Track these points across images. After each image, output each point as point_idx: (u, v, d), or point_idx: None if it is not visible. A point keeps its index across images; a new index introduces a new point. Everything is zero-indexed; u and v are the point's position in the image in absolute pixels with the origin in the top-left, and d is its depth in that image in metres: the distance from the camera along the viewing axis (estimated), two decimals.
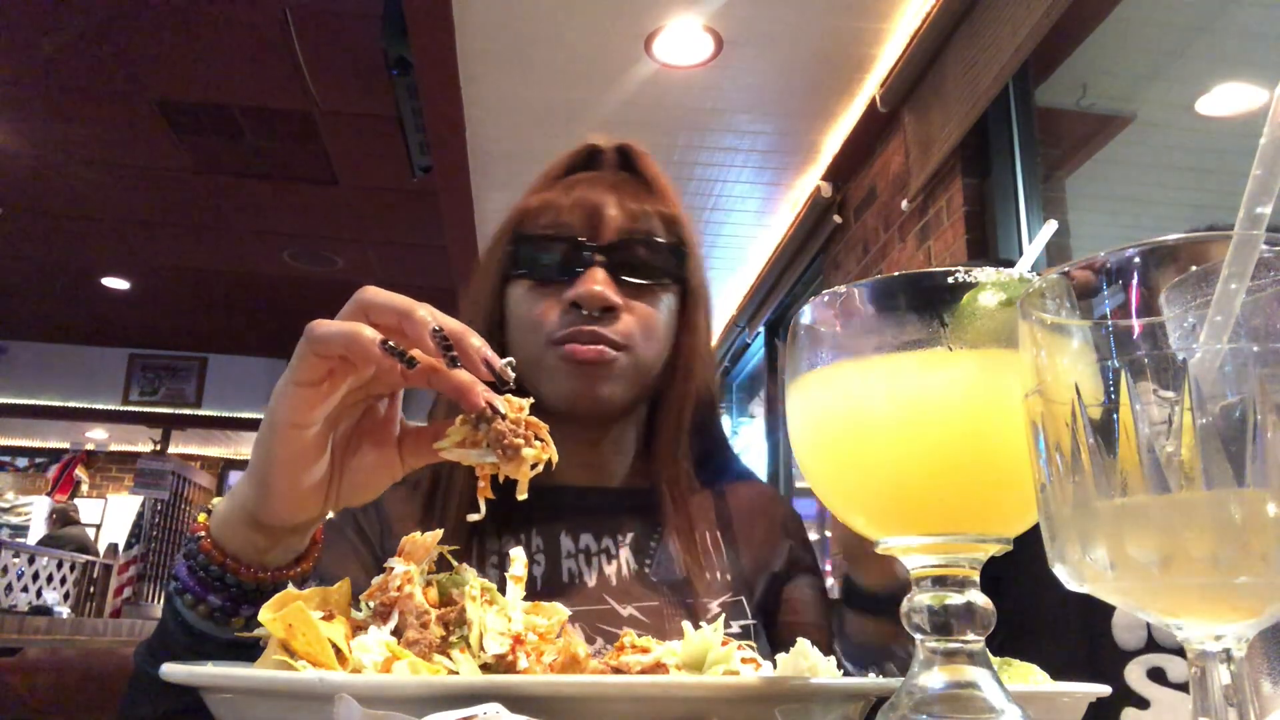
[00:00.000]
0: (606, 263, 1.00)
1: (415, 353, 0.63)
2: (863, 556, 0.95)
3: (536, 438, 0.64)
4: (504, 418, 0.62)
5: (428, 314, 0.62)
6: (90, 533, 10.66)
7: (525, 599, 0.64)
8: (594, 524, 1.05)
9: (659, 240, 1.04)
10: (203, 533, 0.70)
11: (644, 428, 1.13)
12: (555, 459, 0.64)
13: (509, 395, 0.64)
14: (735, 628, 1.01)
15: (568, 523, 1.05)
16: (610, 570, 1.02)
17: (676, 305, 1.07)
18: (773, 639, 1.06)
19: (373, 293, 0.64)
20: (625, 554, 1.04)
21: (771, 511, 1.16)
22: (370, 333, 0.61)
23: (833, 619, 1.07)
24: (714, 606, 1.02)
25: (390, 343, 0.61)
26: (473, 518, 0.64)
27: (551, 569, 1.01)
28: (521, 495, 0.63)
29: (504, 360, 0.63)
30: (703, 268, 1.12)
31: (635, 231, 1.03)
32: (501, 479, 0.64)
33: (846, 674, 0.66)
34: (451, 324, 0.63)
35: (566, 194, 1.03)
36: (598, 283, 0.98)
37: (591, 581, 1.01)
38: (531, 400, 0.65)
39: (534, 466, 0.63)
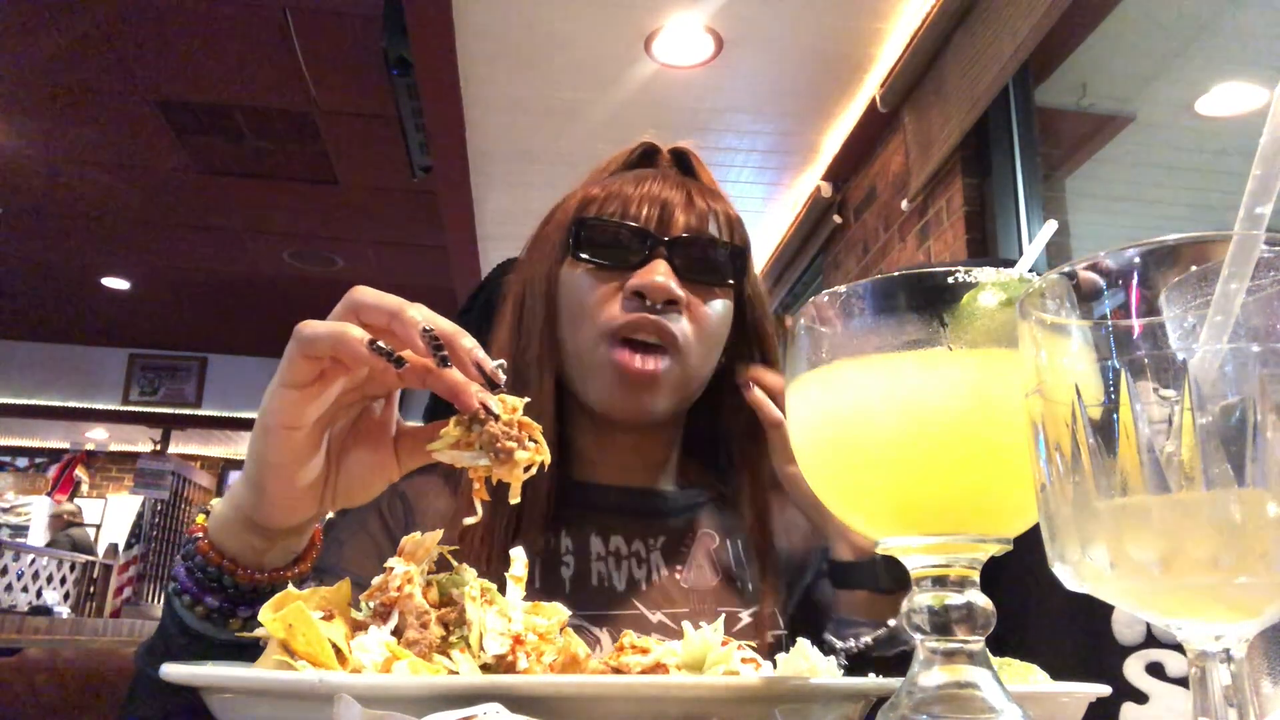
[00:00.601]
0: (669, 257, 0.99)
1: (405, 353, 0.62)
2: (832, 530, 0.95)
3: (530, 439, 0.63)
4: (497, 419, 0.61)
5: (418, 314, 0.62)
6: (90, 533, 10.66)
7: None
8: (624, 526, 1.04)
9: (723, 241, 1.04)
10: (200, 534, 0.70)
11: (680, 431, 1.12)
12: (548, 461, 0.63)
13: (503, 395, 0.63)
14: (769, 638, 0.99)
15: (598, 523, 1.03)
16: (640, 575, 1.01)
17: (730, 311, 1.06)
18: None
19: (363, 293, 0.63)
20: (656, 559, 1.02)
21: (802, 521, 1.14)
22: (358, 333, 0.60)
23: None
24: (745, 616, 1.00)
25: (378, 343, 0.60)
26: (468, 521, 0.64)
27: (580, 570, 1.00)
28: (514, 499, 0.63)
29: (495, 363, 0.63)
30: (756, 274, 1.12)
31: (701, 230, 1.02)
32: (495, 482, 0.63)
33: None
34: (443, 324, 0.62)
35: (636, 186, 1.03)
36: (661, 273, 0.97)
37: (621, 586, 0.99)
38: (527, 400, 0.64)
39: (527, 469, 0.63)
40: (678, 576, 1.02)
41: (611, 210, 1.02)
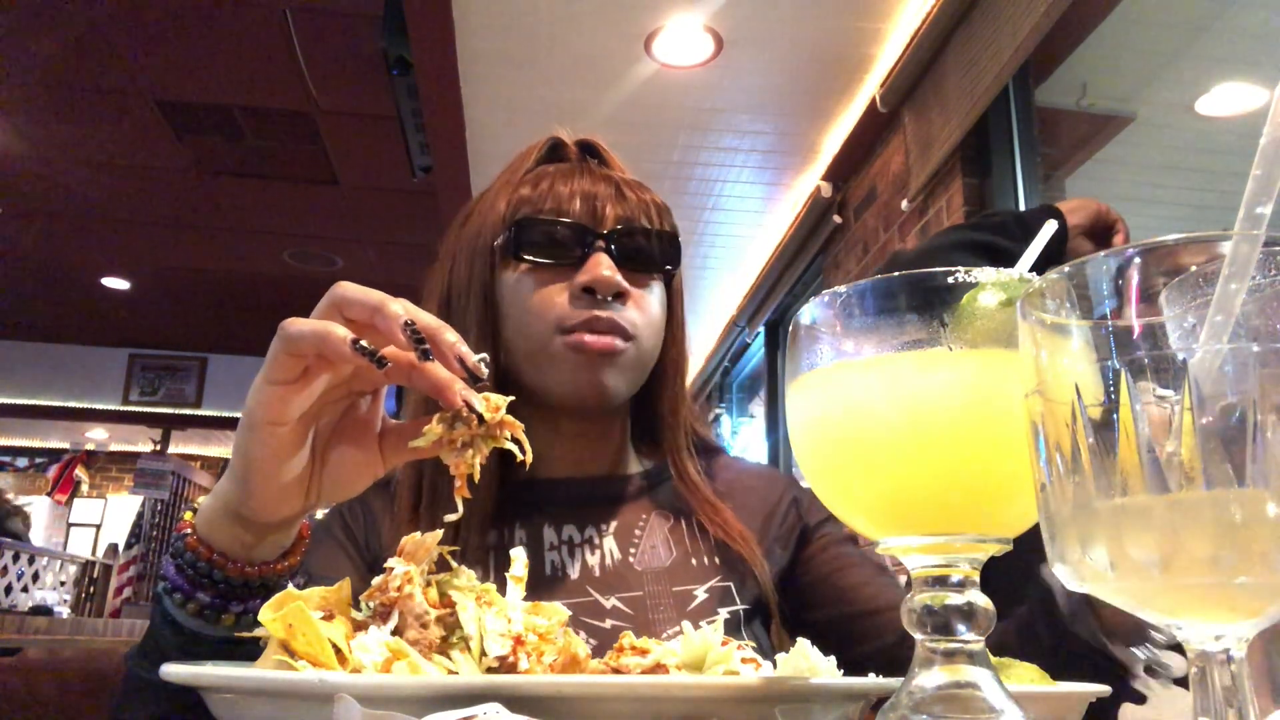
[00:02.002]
0: (608, 249, 1.01)
1: (389, 351, 0.63)
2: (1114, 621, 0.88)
3: (513, 439, 0.64)
4: (481, 419, 0.62)
5: (400, 308, 0.62)
6: (90, 533, 10.67)
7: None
8: (576, 515, 1.05)
9: (657, 229, 1.06)
10: (189, 530, 0.70)
11: (628, 418, 1.14)
12: (529, 460, 0.64)
13: (486, 394, 0.64)
14: (724, 614, 1.00)
15: (550, 515, 1.05)
16: (594, 561, 1.02)
17: (664, 296, 1.09)
18: (817, 597, 1.07)
19: (345, 288, 0.64)
20: (609, 544, 1.04)
21: (764, 490, 1.15)
22: (341, 332, 0.61)
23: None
24: (700, 593, 1.01)
25: (362, 342, 0.61)
26: (450, 518, 0.64)
27: (534, 562, 1.01)
28: (461, 494, 0.64)
29: (477, 356, 0.63)
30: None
31: (632, 220, 1.04)
32: (477, 480, 0.64)
33: None
34: (426, 318, 0.63)
35: (566, 183, 1.04)
36: (606, 267, 0.98)
37: (575, 574, 1.01)
38: (511, 399, 0.65)
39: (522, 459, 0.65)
40: (631, 559, 1.03)
41: (546, 208, 1.02)
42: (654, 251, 1.05)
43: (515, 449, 0.64)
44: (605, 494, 1.08)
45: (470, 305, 1.04)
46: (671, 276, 1.10)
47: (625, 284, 1.00)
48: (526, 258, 1.02)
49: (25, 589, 6.73)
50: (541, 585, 0.98)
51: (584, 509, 1.06)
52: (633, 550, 1.04)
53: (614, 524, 1.05)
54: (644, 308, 1.03)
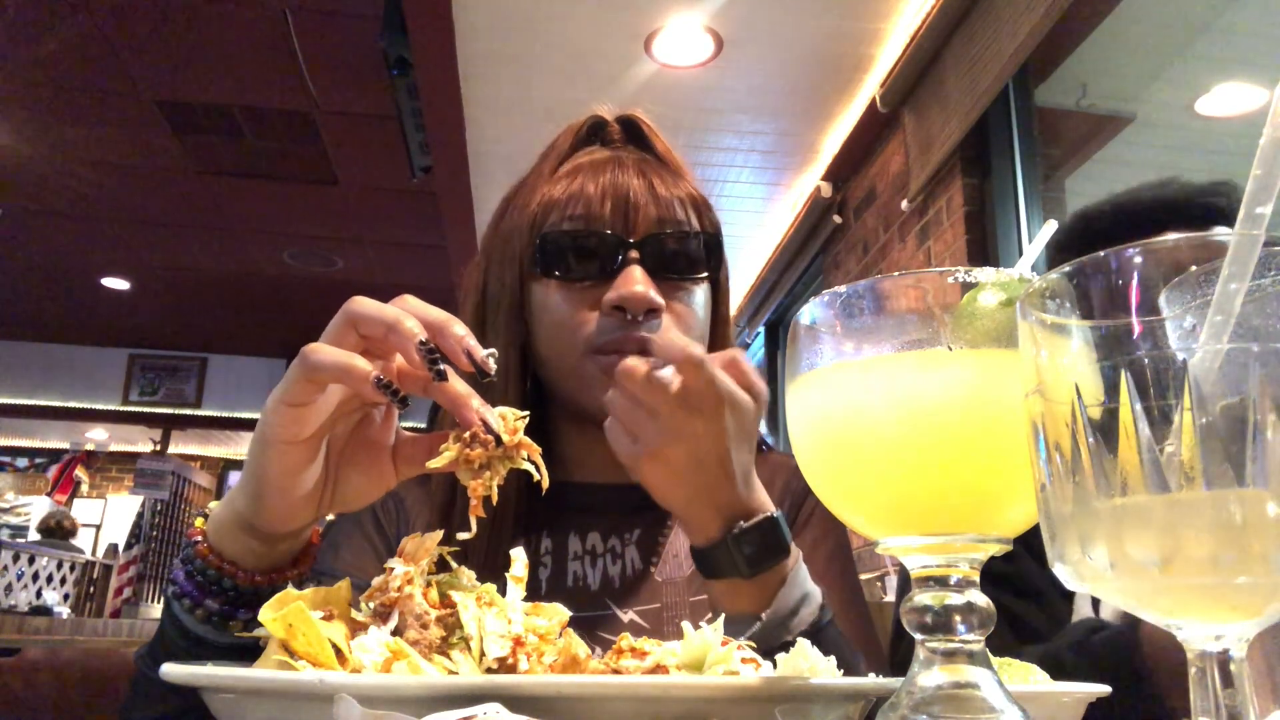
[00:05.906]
0: (642, 259, 0.95)
1: (404, 368, 0.64)
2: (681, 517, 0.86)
3: (529, 459, 0.64)
4: (498, 439, 0.62)
5: (415, 325, 0.62)
6: (90, 533, 10.66)
7: (528, 601, 0.64)
8: (602, 523, 1.03)
9: (694, 231, 1.00)
10: (199, 538, 0.70)
11: None
12: (546, 483, 0.65)
13: (503, 411, 0.64)
14: None
15: (577, 523, 1.03)
16: (615, 571, 1.00)
17: (709, 299, 1.03)
18: None
19: (360, 304, 0.63)
20: (631, 553, 1.02)
21: (774, 483, 1.10)
22: (364, 367, 0.61)
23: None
24: None
25: (382, 379, 0.61)
26: (463, 536, 0.64)
27: (557, 572, 0.99)
28: (475, 514, 0.63)
29: (486, 351, 0.63)
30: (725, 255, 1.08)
31: (668, 222, 0.98)
32: (495, 502, 0.64)
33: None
34: (434, 315, 0.63)
35: (595, 180, 0.98)
36: (639, 283, 0.93)
37: (595, 585, 0.99)
38: (526, 416, 0.65)
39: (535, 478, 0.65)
40: (652, 570, 1.01)
41: (574, 213, 0.97)
42: (693, 255, 0.98)
43: (532, 469, 0.64)
44: (632, 502, 1.03)
45: (501, 318, 1.01)
46: (716, 277, 1.04)
47: (659, 299, 0.93)
48: (556, 274, 0.97)
49: (25, 588, 6.72)
50: (562, 596, 0.95)
51: (610, 517, 1.03)
52: (654, 560, 1.01)
53: (638, 532, 1.03)
54: (681, 316, 0.97)
